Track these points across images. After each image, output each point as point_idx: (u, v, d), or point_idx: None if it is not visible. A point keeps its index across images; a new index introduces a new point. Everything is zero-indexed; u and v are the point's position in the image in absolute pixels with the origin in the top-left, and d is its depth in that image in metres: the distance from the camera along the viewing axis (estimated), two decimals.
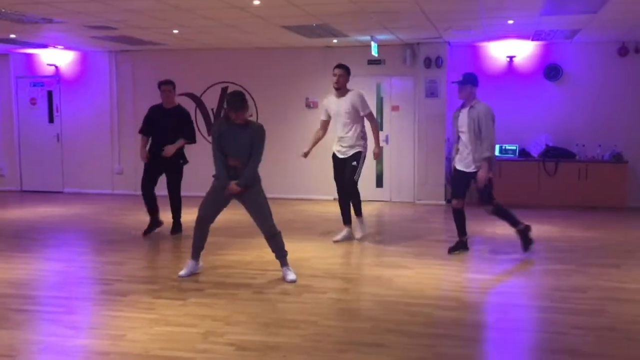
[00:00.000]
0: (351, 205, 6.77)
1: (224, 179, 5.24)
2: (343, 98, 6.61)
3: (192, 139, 7.22)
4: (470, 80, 6.08)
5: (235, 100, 5.16)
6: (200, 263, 5.58)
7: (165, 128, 7.09)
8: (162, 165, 7.16)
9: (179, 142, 7.07)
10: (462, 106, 6.14)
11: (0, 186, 11.69)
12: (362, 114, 6.60)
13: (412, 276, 5.50)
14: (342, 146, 6.65)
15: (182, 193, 7.32)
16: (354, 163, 6.60)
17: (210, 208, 5.38)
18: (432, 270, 5.70)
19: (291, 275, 5.31)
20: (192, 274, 5.46)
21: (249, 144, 5.21)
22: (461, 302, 4.76)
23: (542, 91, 9.95)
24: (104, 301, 4.81)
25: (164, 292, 4.98)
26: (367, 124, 6.70)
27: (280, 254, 5.38)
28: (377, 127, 6.85)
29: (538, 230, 7.70)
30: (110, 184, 11.13)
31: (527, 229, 6.18)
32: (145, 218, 7.26)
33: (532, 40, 9.40)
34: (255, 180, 5.29)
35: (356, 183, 6.65)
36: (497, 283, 5.30)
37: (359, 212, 6.82)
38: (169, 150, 7.01)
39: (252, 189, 5.26)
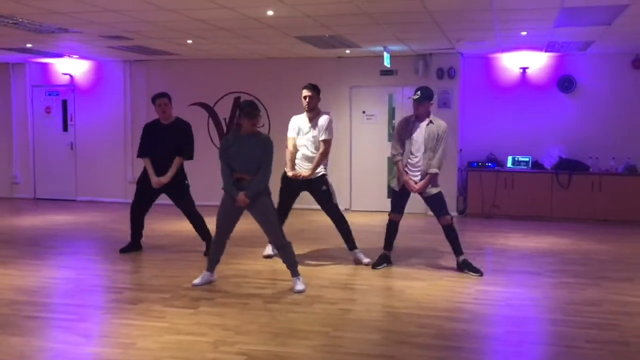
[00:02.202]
0: (342, 235, 6.42)
1: (231, 190, 5.27)
2: (315, 120, 6.25)
3: (189, 156, 6.61)
4: (428, 97, 5.92)
5: (249, 107, 5.23)
6: (215, 275, 5.59)
7: (166, 147, 6.51)
8: (161, 190, 6.61)
9: (175, 163, 6.48)
10: (417, 119, 5.96)
11: (15, 194, 11.80)
12: (321, 137, 6.20)
13: (423, 288, 5.47)
14: (305, 169, 6.23)
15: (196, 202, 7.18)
16: (324, 188, 6.27)
17: (224, 222, 5.41)
18: (444, 282, 5.67)
19: (299, 286, 5.30)
20: (206, 284, 5.47)
21: (256, 155, 5.23)
22: (473, 315, 4.73)
23: (555, 103, 9.90)
24: (115, 309, 4.83)
25: (175, 301, 4.99)
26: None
27: (290, 264, 5.39)
28: (327, 155, 6.29)
29: (551, 242, 7.66)
30: (123, 192, 11.18)
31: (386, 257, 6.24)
32: (154, 226, 7.24)
33: (546, 51, 9.38)
34: (265, 192, 5.31)
35: (337, 206, 6.40)
36: (509, 295, 5.25)
37: (353, 244, 6.41)
38: (165, 179, 6.47)
39: (261, 201, 5.27)
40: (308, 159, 6.28)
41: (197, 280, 5.46)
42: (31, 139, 11.73)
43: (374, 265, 6.17)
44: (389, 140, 10.37)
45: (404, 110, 10.25)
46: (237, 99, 10.75)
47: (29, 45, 9.13)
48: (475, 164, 9.89)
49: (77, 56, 10.62)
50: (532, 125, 9.95)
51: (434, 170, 5.88)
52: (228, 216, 5.39)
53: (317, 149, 6.27)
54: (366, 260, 6.33)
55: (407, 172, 5.97)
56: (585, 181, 9.37)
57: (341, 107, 10.42)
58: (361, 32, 7.74)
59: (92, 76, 11.40)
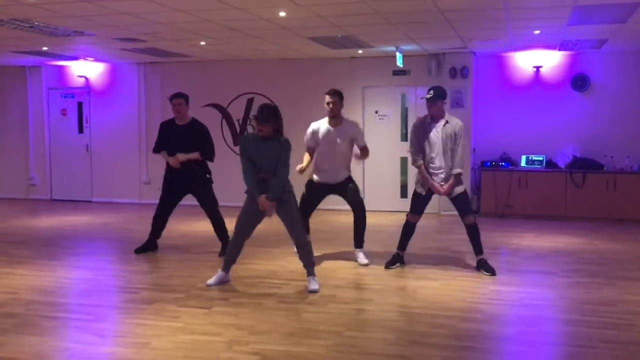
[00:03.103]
0: (357, 231, 6.43)
1: (253, 190, 5.28)
2: (339, 127, 6.22)
3: (210, 158, 6.65)
4: (441, 96, 5.85)
5: (259, 111, 5.24)
6: (229, 276, 5.63)
7: (181, 148, 6.55)
8: (185, 187, 6.67)
9: (194, 154, 6.52)
10: (433, 120, 5.90)
11: (31, 195, 11.93)
12: (360, 145, 6.30)
13: (436, 288, 5.46)
14: (329, 174, 6.26)
15: None
16: (351, 185, 6.29)
17: (245, 224, 5.43)
18: (457, 282, 5.66)
19: (313, 285, 5.31)
20: (220, 284, 5.50)
21: (275, 157, 5.24)
22: (487, 315, 4.71)
23: (569, 101, 9.84)
24: (130, 309, 4.87)
25: (189, 301, 5.03)
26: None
27: (307, 263, 5.41)
28: (368, 154, 6.42)
29: (566, 242, 7.61)
30: (138, 193, 11.28)
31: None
32: (171, 227, 7.25)
33: (559, 50, 9.32)
34: (288, 190, 5.32)
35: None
36: (523, 295, 5.23)
37: (361, 243, 6.47)
38: (180, 157, 6.47)
39: (284, 200, 5.29)
40: (337, 169, 6.25)
41: (211, 280, 5.50)
42: (47, 140, 11.86)
43: (387, 265, 6.17)
44: (402, 140, 10.37)
45: (417, 110, 10.23)
46: (250, 100, 10.80)
47: (45, 48, 9.23)
48: (489, 163, 9.85)
49: (92, 59, 10.72)
50: (546, 124, 9.89)
51: (457, 170, 5.83)
52: (250, 219, 5.41)
53: (344, 157, 6.24)
54: (365, 260, 6.32)
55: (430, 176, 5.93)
56: (600, 180, 9.29)
57: (354, 107, 10.41)
58: (373, 32, 7.74)
59: (107, 78, 11.50)
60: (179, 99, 6.69)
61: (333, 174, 6.27)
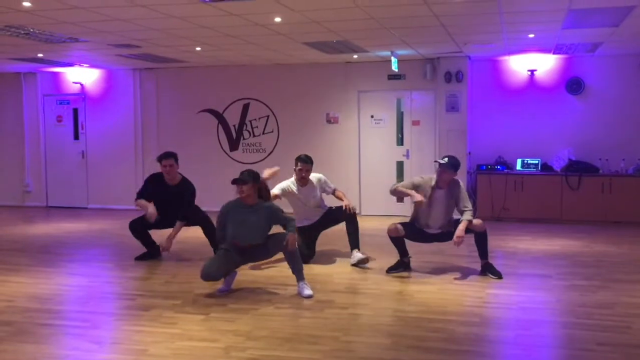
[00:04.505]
0: (352, 235, 6.56)
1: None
2: (307, 186, 6.60)
3: (186, 221, 6.61)
4: (455, 166, 5.86)
5: (240, 174, 5.41)
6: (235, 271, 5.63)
7: (166, 205, 6.51)
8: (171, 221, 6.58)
9: (177, 227, 6.51)
10: (438, 187, 5.91)
11: (27, 202, 11.90)
12: (330, 192, 6.73)
13: (433, 292, 5.47)
14: (311, 218, 6.66)
15: (203, 207, 7.15)
16: (332, 208, 6.68)
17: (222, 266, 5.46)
18: (454, 286, 5.66)
19: (307, 291, 5.31)
20: (230, 284, 5.54)
21: (263, 224, 5.40)
22: (483, 318, 4.72)
23: (564, 105, 9.87)
24: (127, 316, 4.87)
25: (186, 307, 5.02)
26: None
27: (296, 267, 5.40)
28: (343, 193, 6.82)
29: (562, 245, 7.63)
30: (134, 199, 11.24)
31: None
32: (166, 232, 7.23)
33: (554, 53, 9.36)
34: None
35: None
36: (520, 298, 5.24)
37: (357, 243, 6.56)
38: (168, 243, 6.50)
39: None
40: (313, 213, 6.68)
41: (221, 287, 5.50)
42: (43, 147, 11.83)
43: (389, 270, 6.16)
44: (398, 144, 10.40)
45: (413, 114, 10.28)
46: (246, 106, 10.81)
47: (40, 55, 9.22)
48: (484, 166, 9.87)
49: (87, 65, 10.71)
50: (541, 128, 9.92)
51: (470, 217, 5.86)
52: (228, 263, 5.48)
53: (318, 202, 6.67)
54: (361, 256, 6.42)
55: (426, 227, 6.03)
56: (595, 183, 9.31)
57: (349, 111, 10.44)
58: (368, 36, 7.76)
59: (103, 84, 11.48)
60: (169, 159, 6.52)
61: (310, 219, 6.68)
